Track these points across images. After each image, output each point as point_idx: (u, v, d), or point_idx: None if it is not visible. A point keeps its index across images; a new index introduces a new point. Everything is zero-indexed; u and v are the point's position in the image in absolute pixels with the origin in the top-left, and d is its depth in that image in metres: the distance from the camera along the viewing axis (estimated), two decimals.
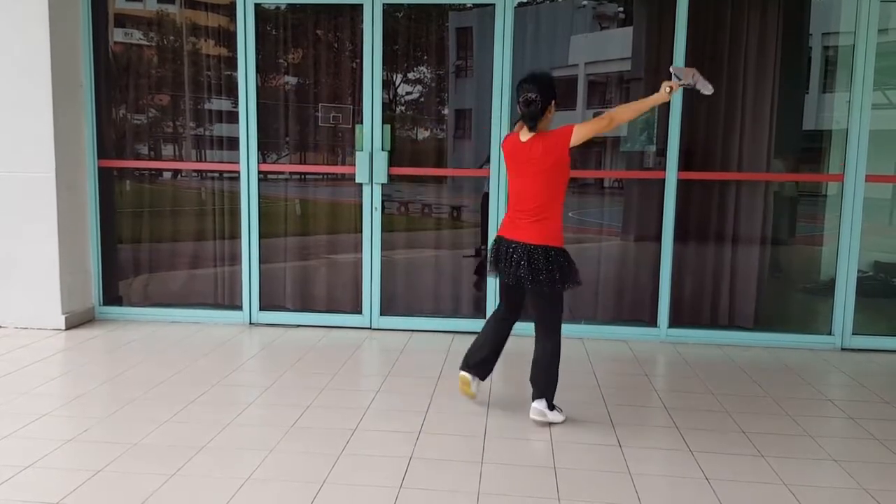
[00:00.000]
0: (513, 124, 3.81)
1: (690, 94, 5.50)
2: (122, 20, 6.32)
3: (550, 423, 3.83)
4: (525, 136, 3.75)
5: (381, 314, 5.87)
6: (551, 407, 3.84)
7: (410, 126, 6.62)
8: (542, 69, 3.98)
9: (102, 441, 3.52)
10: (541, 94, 3.62)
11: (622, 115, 3.76)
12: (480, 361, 4.02)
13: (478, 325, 5.64)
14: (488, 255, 3.97)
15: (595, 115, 3.81)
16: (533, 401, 3.85)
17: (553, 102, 3.72)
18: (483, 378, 4.09)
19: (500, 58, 5.57)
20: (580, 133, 3.64)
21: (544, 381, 3.85)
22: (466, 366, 4.04)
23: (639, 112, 3.78)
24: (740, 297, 5.90)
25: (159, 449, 3.43)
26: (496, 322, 4.07)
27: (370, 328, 5.87)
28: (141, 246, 6.37)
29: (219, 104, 6.28)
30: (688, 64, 5.41)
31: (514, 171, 3.81)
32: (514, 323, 4.05)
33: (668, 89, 3.66)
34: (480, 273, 6.08)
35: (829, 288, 5.67)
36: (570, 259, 3.80)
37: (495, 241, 3.93)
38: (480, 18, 6.18)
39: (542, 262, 3.68)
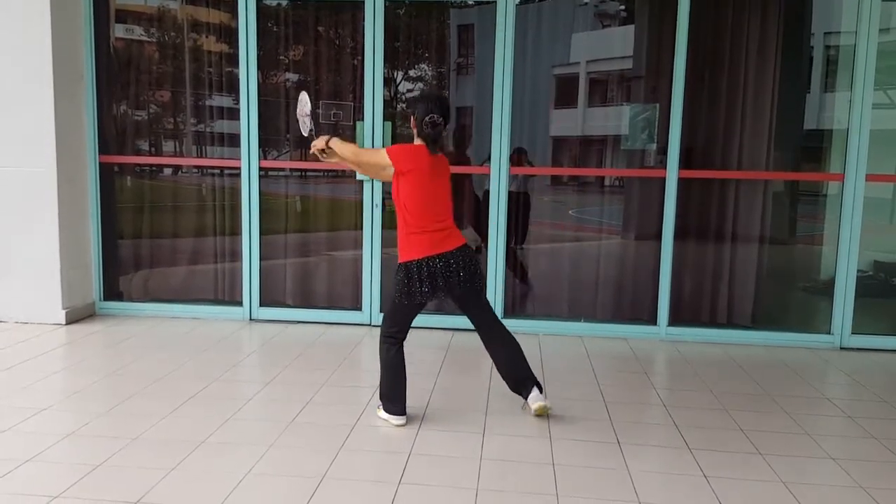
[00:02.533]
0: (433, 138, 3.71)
1: (691, 92, 5.54)
2: (124, 16, 6.32)
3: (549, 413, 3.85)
4: (431, 151, 3.70)
5: (381, 311, 5.87)
6: (542, 390, 3.88)
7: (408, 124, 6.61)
8: (438, 92, 4.03)
9: (102, 435, 3.52)
10: (444, 119, 3.68)
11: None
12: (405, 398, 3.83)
13: None
14: (412, 279, 3.64)
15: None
16: (528, 399, 3.84)
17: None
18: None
19: (501, 55, 5.57)
20: None
21: (528, 371, 3.88)
22: (402, 410, 3.81)
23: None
24: (740, 296, 5.91)
25: (159, 444, 3.44)
26: (402, 353, 3.82)
27: (370, 325, 5.87)
28: (141, 241, 6.37)
29: (220, 100, 6.28)
30: (690, 59, 5.42)
31: (436, 182, 3.70)
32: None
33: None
34: None
35: (828, 287, 5.68)
36: None
37: (427, 260, 3.64)
38: (482, 16, 6.19)
39: (474, 259, 3.76)
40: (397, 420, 3.77)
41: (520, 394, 3.91)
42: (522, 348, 3.91)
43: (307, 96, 4.05)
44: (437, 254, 3.64)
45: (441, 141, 3.73)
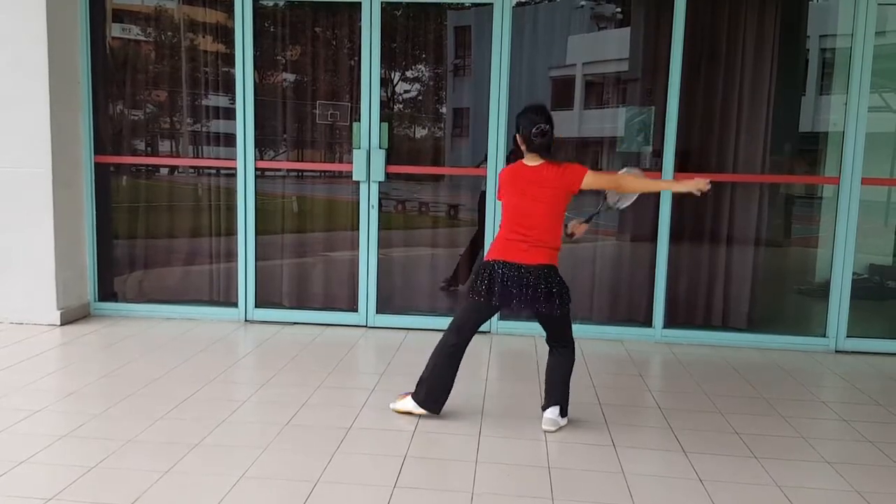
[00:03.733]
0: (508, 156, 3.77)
1: (686, 95, 5.54)
2: (120, 15, 6.31)
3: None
4: (532, 162, 3.71)
5: (377, 312, 5.87)
6: (563, 414, 3.84)
7: (408, 124, 6.62)
8: (537, 102, 4.07)
9: (97, 437, 3.51)
10: (551, 126, 3.67)
11: (630, 185, 3.83)
12: (443, 399, 3.87)
13: None
14: (479, 279, 3.72)
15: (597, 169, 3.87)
16: (545, 410, 3.82)
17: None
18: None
19: (498, 57, 5.57)
20: (589, 180, 3.69)
21: (562, 391, 3.84)
22: (433, 403, 3.86)
23: (646, 190, 3.96)
24: (735, 299, 5.91)
25: (154, 445, 3.43)
26: (452, 354, 3.84)
27: (366, 326, 5.87)
28: (137, 242, 6.36)
29: (216, 100, 6.27)
30: (686, 61, 5.43)
31: (524, 197, 3.70)
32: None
33: (699, 190, 3.76)
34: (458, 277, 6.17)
35: (823, 290, 5.69)
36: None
37: (492, 265, 3.69)
38: (479, 17, 6.19)
39: (556, 281, 3.69)
40: (420, 410, 3.83)
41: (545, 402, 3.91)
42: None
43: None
44: (504, 260, 3.66)
45: (552, 148, 3.69)
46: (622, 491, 3.11)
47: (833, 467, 3.44)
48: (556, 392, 3.83)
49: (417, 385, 3.87)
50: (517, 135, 3.73)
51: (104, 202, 6.08)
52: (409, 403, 3.87)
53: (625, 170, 3.99)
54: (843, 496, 3.15)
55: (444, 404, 3.86)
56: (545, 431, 3.77)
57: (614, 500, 3.03)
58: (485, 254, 3.85)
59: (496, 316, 5.69)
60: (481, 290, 3.69)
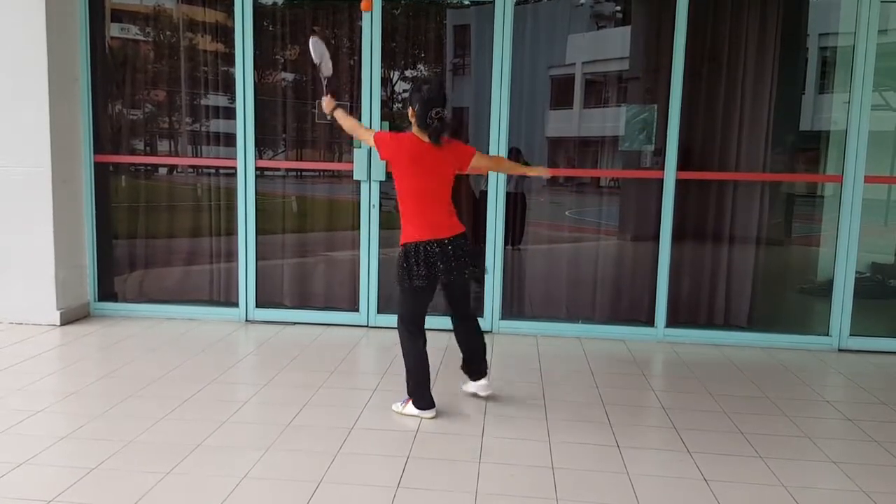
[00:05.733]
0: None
1: (688, 93, 5.53)
2: (119, 15, 6.29)
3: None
4: (426, 139, 3.75)
5: (378, 312, 5.85)
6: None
7: (408, 123, 6.58)
8: (440, 79, 4.22)
9: (97, 438, 3.49)
10: (448, 112, 3.80)
11: (506, 167, 4.48)
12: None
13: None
14: (407, 263, 3.75)
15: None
16: (479, 380, 4.10)
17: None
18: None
19: (499, 56, 5.55)
20: (475, 162, 3.90)
21: (485, 363, 4.13)
22: (430, 401, 3.92)
23: (514, 172, 4.45)
24: (738, 298, 5.90)
25: (154, 447, 3.41)
26: (422, 349, 3.91)
27: (367, 326, 5.85)
28: (136, 242, 6.34)
29: (216, 100, 6.25)
30: (687, 60, 5.42)
31: (422, 171, 3.76)
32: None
33: (544, 174, 4.23)
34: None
35: (826, 289, 5.67)
36: None
37: (418, 245, 3.73)
38: (478, 16, 6.17)
39: (470, 248, 3.85)
40: (428, 414, 3.85)
41: (468, 375, 4.17)
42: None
43: (316, 40, 4.16)
44: (433, 238, 3.73)
45: (446, 132, 3.76)
46: (627, 491, 3.09)
47: (839, 467, 3.42)
48: (483, 366, 4.12)
49: (413, 393, 3.89)
50: (410, 108, 3.79)
51: (104, 202, 6.07)
52: (413, 410, 3.88)
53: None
54: (848, 496, 3.13)
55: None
56: (484, 396, 4.10)
57: (619, 500, 3.01)
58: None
59: (497, 316, 5.68)
60: (411, 275, 3.73)
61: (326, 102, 4.13)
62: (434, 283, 3.79)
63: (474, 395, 4.19)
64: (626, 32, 6.48)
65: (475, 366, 4.13)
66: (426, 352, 3.89)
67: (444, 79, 3.99)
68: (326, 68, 4.17)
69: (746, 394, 4.48)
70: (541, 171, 4.18)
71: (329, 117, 4.13)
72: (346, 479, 3.13)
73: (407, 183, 3.78)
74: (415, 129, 3.78)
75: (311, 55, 4.14)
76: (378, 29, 5.59)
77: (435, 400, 3.90)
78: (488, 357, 5.06)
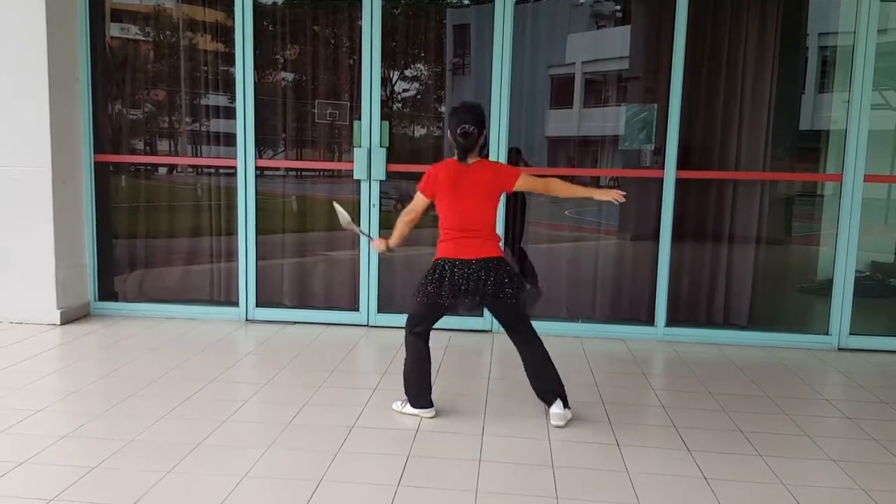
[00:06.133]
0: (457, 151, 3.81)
1: (688, 93, 5.53)
2: (119, 15, 6.29)
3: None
4: (465, 161, 3.73)
5: (378, 311, 5.85)
6: (567, 405, 3.85)
7: (408, 123, 6.60)
8: (474, 101, 4.15)
9: (98, 437, 3.49)
10: (476, 126, 3.68)
11: (558, 189, 3.93)
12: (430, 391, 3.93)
13: (475, 322, 5.67)
14: (425, 278, 3.75)
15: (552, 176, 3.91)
16: (550, 406, 3.82)
17: (484, 132, 3.80)
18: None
19: (499, 55, 5.55)
20: (522, 182, 3.77)
21: (557, 383, 3.84)
22: (429, 401, 3.89)
23: (573, 196, 3.98)
24: (737, 297, 5.91)
25: (155, 445, 3.42)
26: (423, 354, 3.88)
27: (367, 325, 5.85)
28: (137, 241, 6.34)
29: (216, 100, 6.25)
30: (687, 59, 5.43)
31: (460, 194, 3.72)
32: None
33: (617, 199, 3.88)
34: None
35: (826, 287, 5.68)
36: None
37: (442, 263, 3.71)
38: (478, 16, 6.17)
39: (506, 271, 3.72)
40: (428, 413, 3.84)
41: (544, 401, 3.91)
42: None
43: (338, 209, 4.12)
44: (456, 258, 3.68)
45: (475, 149, 3.71)
46: (627, 490, 3.10)
47: (838, 465, 3.42)
48: (551, 384, 3.84)
49: (411, 392, 3.88)
50: (449, 132, 3.76)
51: (104, 201, 6.07)
52: (412, 410, 3.88)
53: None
54: (848, 494, 3.14)
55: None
56: (556, 427, 3.77)
57: (619, 499, 3.02)
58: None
59: None
60: (437, 291, 3.70)
61: (377, 245, 4.07)
62: (446, 301, 3.72)
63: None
64: (626, 32, 6.49)
65: (538, 385, 3.88)
66: (428, 353, 3.86)
67: (479, 103, 3.93)
68: (354, 228, 4.16)
69: (746, 392, 4.49)
70: (610, 195, 3.86)
71: (390, 250, 4.03)
72: (347, 478, 3.13)
73: (445, 204, 3.75)
74: (456, 152, 3.76)
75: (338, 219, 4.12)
76: (378, 28, 5.60)
77: (435, 399, 3.91)
78: (488, 357, 5.09)
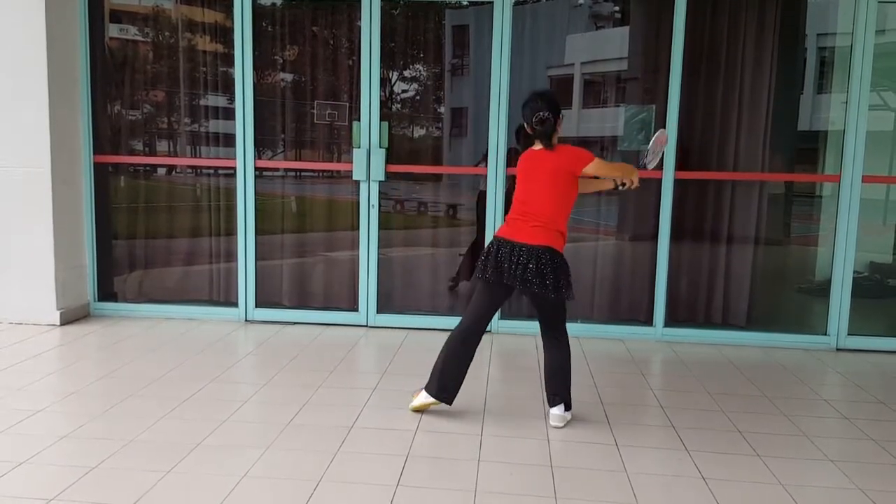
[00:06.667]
0: (517, 139, 3.86)
1: (686, 93, 5.55)
2: (119, 15, 6.30)
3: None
4: (539, 146, 3.77)
5: (377, 312, 5.86)
6: (568, 409, 3.86)
7: (407, 124, 6.61)
8: (542, 90, 4.15)
9: (97, 438, 3.50)
10: (553, 111, 3.71)
11: (624, 173, 3.91)
12: (455, 388, 3.88)
13: None
14: (485, 255, 3.80)
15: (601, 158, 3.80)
16: (552, 407, 3.83)
17: (560, 117, 3.80)
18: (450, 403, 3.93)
19: (498, 56, 5.56)
20: (594, 167, 3.73)
21: (563, 387, 3.85)
22: (445, 393, 3.86)
23: (611, 175, 3.93)
24: (736, 297, 5.91)
25: (154, 446, 3.42)
26: (466, 340, 3.85)
27: (366, 326, 5.86)
28: (136, 242, 6.34)
29: (215, 100, 6.25)
30: (686, 60, 5.44)
31: (530, 179, 3.77)
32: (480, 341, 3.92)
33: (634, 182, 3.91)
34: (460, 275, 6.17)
35: (824, 288, 5.69)
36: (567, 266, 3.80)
37: (494, 242, 3.79)
38: (477, 16, 6.18)
39: (553, 263, 3.67)
40: (431, 399, 3.86)
41: (548, 401, 3.91)
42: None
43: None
44: (506, 238, 3.73)
45: (553, 136, 3.73)
46: (625, 490, 3.10)
47: (836, 465, 3.44)
48: (559, 388, 3.84)
49: (431, 376, 3.88)
50: (525, 125, 3.78)
51: (104, 202, 6.07)
52: (423, 397, 3.88)
53: (661, 131, 4.06)
54: (845, 494, 3.15)
55: (456, 394, 3.87)
56: (554, 427, 3.78)
57: (618, 498, 3.02)
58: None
59: (497, 316, 5.68)
60: (484, 268, 3.75)
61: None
62: (502, 283, 3.72)
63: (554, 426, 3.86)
64: (625, 32, 6.50)
65: (549, 386, 3.88)
66: (464, 348, 3.81)
67: (548, 89, 3.95)
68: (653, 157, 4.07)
69: (744, 393, 4.50)
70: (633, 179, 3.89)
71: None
72: (346, 478, 3.14)
73: (518, 190, 3.81)
74: (536, 142, 3.78)
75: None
76: (377, 29, 5.61)
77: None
78: (487, 357, 5.10)
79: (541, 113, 3.67)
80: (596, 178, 3.93)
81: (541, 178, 3.72)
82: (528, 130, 3.77)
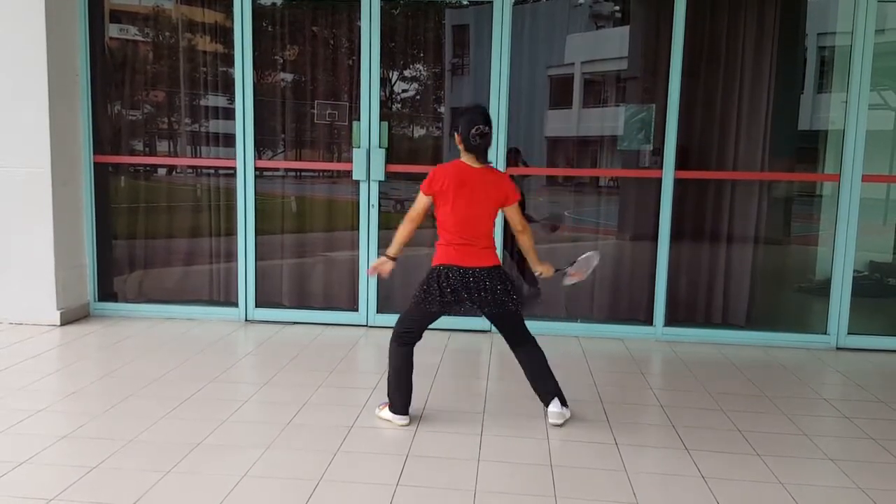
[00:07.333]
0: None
1: (686, 93, 5.55)
2: (119, 15, 6.30)
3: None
4: (473, 163, 3.69)
5: (377, 312, 5.86)
6: (565, 404, 3.85)
7: (407, 124, 6.61)
8: (477, 103, 4.10)
9: (97, 437, 3.50)
10: (490, 128, 3.67)
11: (522, 240, 3.86)
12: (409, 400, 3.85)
13: (474, 323, 5.67)
14: (428, 284, 3.66)
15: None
16: (547, 406, 3.82)
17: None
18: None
19: (497, 56, 5.56)
20: (514, 210, 3.75)
21: (552, 383, 3.84)
22: (405, 409, 3.81)
23: (526, 250, 3.87)
24: (736, 296, 5.92)
25: (154, 446, 3.42)
26: (409, 360, 3.81)
27: (366, 326, 5.86)
28: (136, 242, 6.35)
29: (215, 100, 6.25)
30: (686, 59, 5.44)
31: (465, 198, 3.65)
32: None
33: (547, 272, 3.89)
34: None
35: (824, 287, 5.69)
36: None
37: (444, 270, 3.65)
38: (477, 16, 6.18)
39: (507, 278, 3.71)
40: (400, 420, 3.77)
41: (542, 401, 3.91)
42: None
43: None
44: (456, 265, 3.64)
45: (487, 152, 3.69)
46: (625, 489, 3.10)
47: (836, 464, 3.44)
48: (549, 385, 3.84)
49: (391, 397, 3.82)
50: (456, 134, 3.69)
51: (104, 202, 6.08)
52: (388, 414, 3.82)
53: (594, 254, 4.04)
54: (845, 493, 3.15)
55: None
56: (554, 426, 3.78)
57: (617, 498, 3.03)
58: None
59: None
60: (434, 297, 3.64)
61: (380, 266, 3.89)
62: (446, 309, 3.70)
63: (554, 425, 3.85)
64: (625, 32, 6.50)
65: (538, 388, 3.88)
66: (411, 361, 3.79)
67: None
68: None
69: (744, 392, 4.50)
70: (545, 270, 3.89)
71: (393, 259, 3.86)
72: (346, 478, 3.14)
73: (448, 207, 3.64)
74: (463, 155, 3.71)
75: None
76: (377, 29, 5.61)
77: (432, 399, 3.92)
78: (487, 357, 5.10)
79: (482, 127, 3.60)
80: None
81: (481, 199, 3.66)
82: (459, 143, 3.67)
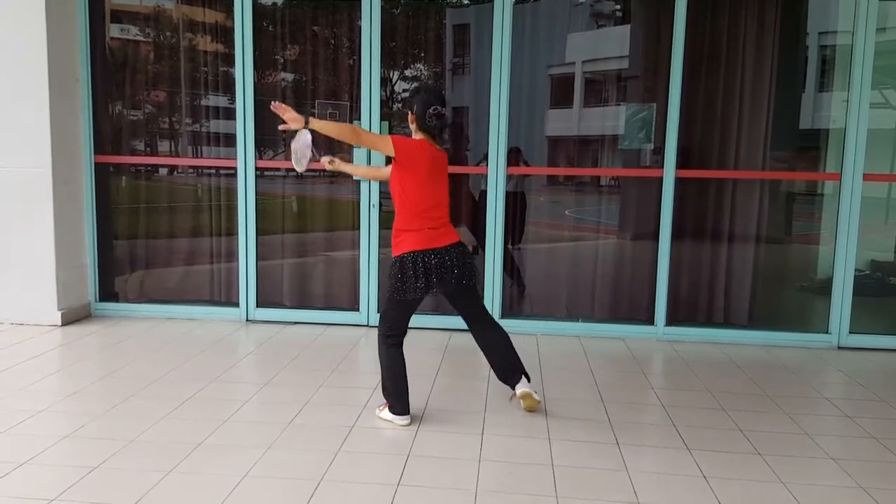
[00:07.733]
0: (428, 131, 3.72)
1: (687, 92, 5.54)
2: (119, 15, 6.30)
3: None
4: (437, 146, 3.73)
5: (378, 311, 5.85)
6: (529, 379, 3.92)
7: (407, 123, 6.60)
8: (434, 84, 4.13)
9: (99, 438, 3.50)
10: (445, 109, 3.73)
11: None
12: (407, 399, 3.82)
13: None
14: (404, 274, 3.62)
15: None
16: (516, 386, 3.88)
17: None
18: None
19: (498, 55, 5.56)
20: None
21: (518, 360, 3.91)
22: (406, 408, 3.80)
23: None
24: (737, 296, 5.91)
25: (156, 446, 3.42)
26: (400, 355, 3.80)
27: (367, 325, 5.86)
28: (137, 242, 6.35)
29: (216, 100, 6.25)
30: (687, 58, 5.43)
31: (435, 178, 3.68)
32: None
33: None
34: None
35: (826, 286, 5.68)
36: None
37: (415, 255, 3.61)
38: (478, 15, 6.18)
39: (469, 256, 3.76)
40: (401, 420, 3.77)
41: (508, 384, 3.95)
42: (516, 346, 3.93)
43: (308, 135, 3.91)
44: (430, 248, 3.64)
45: (444, 134, 3.72)
46: (626, 488, 3.10)
47: (837, 463, 3.43)
48: (517, 362, 3.90)
49: (388, 399, 3.81)
50: (410, 112, 3.70)
51: (104, 202, 6.08)
52: (388, 415, 3.81)
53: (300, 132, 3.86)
54: (847, 492, 3.14)
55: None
56: (536, 402, 3.87)
57: (618, 497, 3.02)
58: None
59: (497, 315, 5.68)
60: (412, 284, 3.60)
61: (323, 162, 4.03)
62: (428, 293, 3.68)
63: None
64: (626, 31, 6.49)
65: (508, 367, 3.91)
66: (403, 360, 3.79)
67: (442, 84, 3.87)
68: (300, 162, 3.96)
69: (746, 391, 4.49)
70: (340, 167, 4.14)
71: (333, 165, 4.01)
72: (347, 478, 3.14)
73: (422, 192, 3.62)
74: (416, 134, 3.71)
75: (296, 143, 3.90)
76: (377, 28, 5.60)
77: (433, 399, 3.92)
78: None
79: (438, 107, 3.63)
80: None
81: (442, 178, 3.73)
82: (412, 121, 3.67)
